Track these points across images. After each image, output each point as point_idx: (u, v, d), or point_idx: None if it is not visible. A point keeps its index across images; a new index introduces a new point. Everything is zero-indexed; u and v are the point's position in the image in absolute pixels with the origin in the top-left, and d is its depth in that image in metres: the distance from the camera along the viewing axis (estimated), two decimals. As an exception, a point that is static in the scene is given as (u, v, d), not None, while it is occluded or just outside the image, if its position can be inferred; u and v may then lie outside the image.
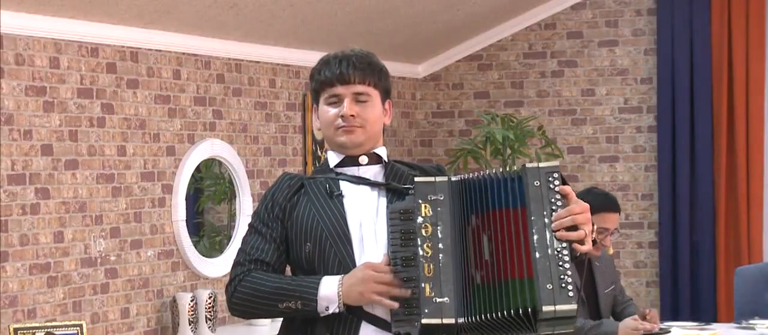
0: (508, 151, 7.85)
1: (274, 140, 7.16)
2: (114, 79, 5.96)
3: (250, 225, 3.27)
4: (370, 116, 3.23)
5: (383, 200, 3.20)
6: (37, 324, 5.37)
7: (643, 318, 5.50)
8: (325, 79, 3.24)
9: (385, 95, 3.29)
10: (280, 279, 3.16)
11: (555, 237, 3.00)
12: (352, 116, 3.21)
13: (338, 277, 3.11)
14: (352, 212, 3.18)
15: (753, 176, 8.10)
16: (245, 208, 6.80)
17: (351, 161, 3.26)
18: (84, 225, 5.78)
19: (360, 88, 3.23)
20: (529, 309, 2.95)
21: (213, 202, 6.98)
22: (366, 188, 3.22)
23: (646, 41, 8.39)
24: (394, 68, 8.22)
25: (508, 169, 3.10)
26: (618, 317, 5.77)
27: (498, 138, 7.77)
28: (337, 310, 3.10)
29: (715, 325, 6.41)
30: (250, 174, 6.93)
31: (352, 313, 3.12)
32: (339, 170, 3.26)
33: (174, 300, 6.18)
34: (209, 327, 6.23)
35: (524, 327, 2.99)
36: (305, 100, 7.39)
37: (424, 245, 3.07)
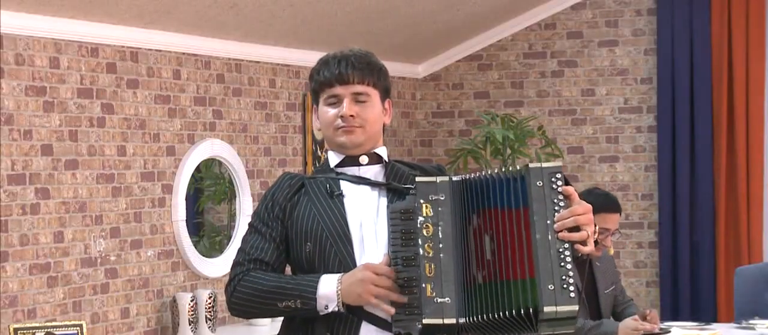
0: (508, 151, 7.85)
1: (274, 140, 7.16)
2: (114, 79, 5.96)
3: (250, 225, 3.26)
4: (370, 115, 3.23)
5: (384, 200, 3.20)
6: (37, 324, 5.37)
7: (644, 318, 5.50)
8: (324, 80, 3.24)
9: (385, 94, 3.28)
10: (279, 278, 3.16)
11: (557, 238, 3.00)
12: (352, 116, 3.21)
13: (337, 276, 3.11)
14: (353, 212, 3.18)
15: (753, 176, 8.10)
16: (245, 208, 6.80)
17: (351, 161, 3.26)
18: (84, 225, 5.78)
19: (359, 88, 3.22)
20: (531, 310, 2.95)
21: (213, 202, 6.98)
22: (366, 188, 3.22)
23: (646, 41, 8.39)
24: (394, 68, 8.22)
25: (509, 169, 3.10)
26: (618, 317, 5.77)
27: (498, 138, 7.77)
28: (336, 309, 3.10)
29: (715, 325, 6.41)
30: (250, 174, 6.93)
31: (353, 313, 3.12)
32: (339, 170, 3.26)
33: (174, 300, 6.18)
34: (209, 327, 6.23)
35: (525, 328, 2.99)
36: (305, 100, 7.39)
37: (425, 245, 3.07)
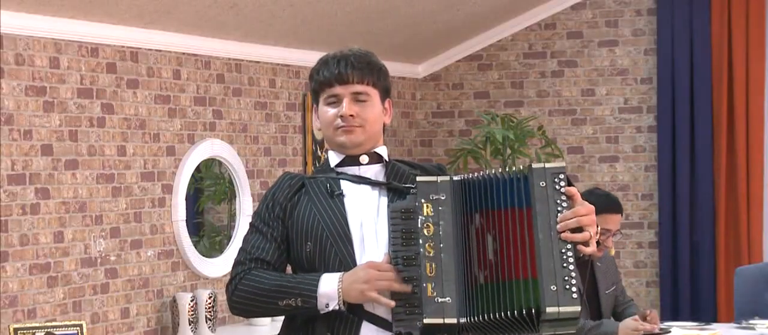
0: (508, 151, 7.85)
1: (274, 140, 7.15)
2: (114, 79, 5.95)
3: (250, 224, 3.26)
4: (370, 115, 3.23)
5: (384, 200, 3.20)
6: (37, 324, 5.37)
7: (644, 318, 5.50)
8: (323, 80, 3.24)
9: (385, 94, 3.28)
10: (280, 276, 3.17)
11: (560, 238, 2.99)
12: (352, 115, 3.21)
13: (338, 274, 3.11)
14: (353, 211, 3.18)
15: (753, 176, 8.10)
16: (245, 208, 6.80)
17: (351, 160, 3.26)
18: (84, 225, 5.77)
19: (359, 87, 3.22)
20: (533, 310, 2.95)
21: (213, 202, 6.98)
22: (367, 188, 3.22)
23: (646, 41, 8.39)
24: (394, 68, 8.22)
25: (511, 169, 3.10)
26: (619, 317, 5.77)
27: (498, 138, 7.77)
28: (337, 307, 3.10)
29: (715, 325, 6.40)
30: (250, 174, 6.93)
31: (353, 313, 3.12)
32: (340, 169, 3.26)
33: (174, 300, 6.17)
34: (209, 327, 6.23)
35: (527, 328, 2.98)
36: (305, 100, 7.39)
37: (426, 245, 3.07)
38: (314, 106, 3.32)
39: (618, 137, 8.44)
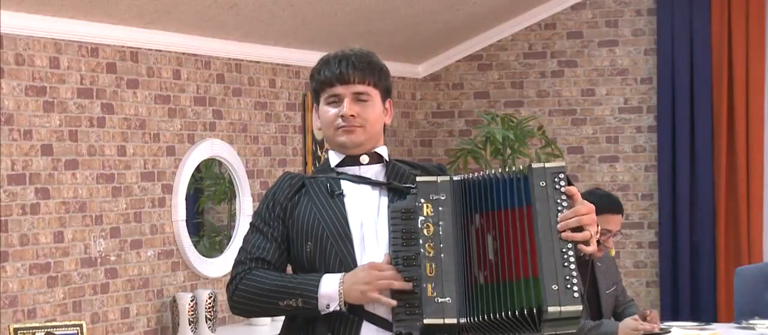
0: (508, 151, 7.85)
1: (274, 140, 7.15)
2: (114, 79, 5.95)
3: (251, 224, 3.26)
4: (370, 115, 3.23)
5: (384, 200, 3.20)
6: (37, 324, 5.37)
7: (644, 318, 5.50)
8: (324, 79, 3.24)
9: (386, 94, 3.28)
10: (281, 277, 3.16)
11: (561, 238, 2.99)
12: (352, 115, 3.21)
13: (339, 275, 3.11)
14: (353, 211, 3.18)
15: (753, 176, 8.10)
16: (245, 208, 6.80)
17: (352, 160, 3.26)
18: (84, 225, 5.77)
19: (360, 88, 3.22)
20: (534, 310, 2.95)
21: (213, 202, 6.98)
22: (367, 188, 3.22)
23: (646, 41, 8.38)
24: (394, 68, 8.22)
25: (511, 169, 3.10)
26: (619, 317, 5.77)
27: (498, 138, 7.77)
28: (337, 308, 3.09)
29: (715, 325, 6.40)
30: (250, 174, 6.93)
31: (354, 313, 3.12)
32: (340, 169, 3.26)
33: (174, 300, 6.17)
34: (209, 327, 6.23)
35: (528, 328, 2.98)
36: (305, 100, 7.39)
37: (426, 245, 3.07)
38: (315, 105, 3.32)
39: (618, 137, 8.44)
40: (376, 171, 3.26)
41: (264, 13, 6.48)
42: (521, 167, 3.09)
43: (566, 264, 2.97)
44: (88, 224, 5.79)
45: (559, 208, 3.01)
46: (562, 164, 3.08)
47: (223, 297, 6.37)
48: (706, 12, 8.13)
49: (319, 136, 7.38)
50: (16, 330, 5.25)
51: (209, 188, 6.89)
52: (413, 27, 7.83)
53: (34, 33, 5.49)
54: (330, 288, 3.09)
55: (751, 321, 6.09)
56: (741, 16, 8.09)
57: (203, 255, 6.55)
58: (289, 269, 3.26)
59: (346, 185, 3.23)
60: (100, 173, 5.87)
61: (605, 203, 5.55)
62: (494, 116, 7.98)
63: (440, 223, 3.08)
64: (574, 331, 3.01)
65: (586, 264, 5.53)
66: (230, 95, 6.78)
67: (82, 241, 5.75)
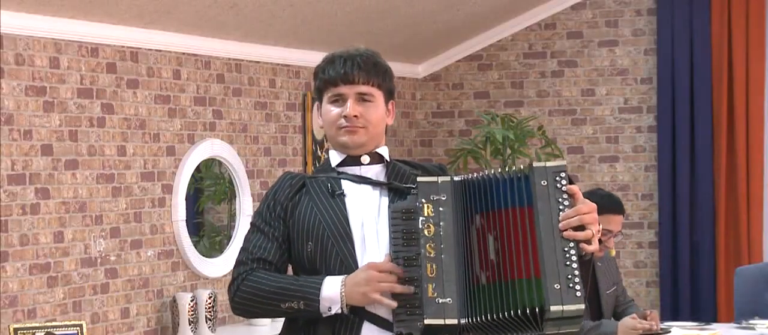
0: (508, 151, 7.85)
1: (274, 140, 7.15)
2: (114, 79, 5.95)
3: (252, 224, 3.26)
4: (373, 116, 3.22)
5: (385, 200, 3.19)
6: (37, 324, 5.36)
7: (644, 319, 5.50)
8: (329, 78, 3.23)
9: (389, 95, 3.28)
10: (282, 278, 3.16)
11: (562, 237, 2.99)
12: (355, 116, 3.20)
13: (341, 277, 3.10)
14: (354, 211, 3.18)
15: (753, 176, 8.10)
16: (245, 208, 6.80)
17: (353, 160, 3.25)
18: (84, 225, 5.77)
19: (364, 88, 3.22)
20: (537, 309, 2.94)
21: (213, 202, 6.97)
22: (368, 188, 3.22)
23: (646, 41, 8.38)
24: (394, 68, 8.09)
25: (512, 168, 3.09)
26: (619, 318, 5.76)
27: (498, 138, 7.77)
28: (339, 311, 3.09)
29: (715, 325, 6.40)
30: (250, 174, 6.93)
31: (354, 313, 3.11)
32: (341, 169, 3.26)
33: (174, 300, 6.17)
34: (209, 327, 6.22)
35: (530, 327, 2.98)
36: (305, 100, 7.39)
37: (427, 246, 3.06)
38: (317, 104, 3.31)
39: (618, 137, 8.44)
40: (376, 171, 3.25)
41: (264, 13, 6.47)
42: (522, 167, 3.08)
43: (568, 263, 2.96)
44: (88, 224, 5.79)
45: (561, 207, 3.01)
46: (563, 163, 3.08)
47: (223, 297, 6.37)
48: (706, 12, 8.13)
49: (319, 135, 7.37)
50: (16, 330, 5.25)
51: (209, 188, 6.88)
52: (413, 27, 7.83)
53: (34, 33, 5.49)
54: (332, 291, 3.09)
55: (751, 321, 6.09)
56: (741, 16, 8.09)
57: (203, 255, 6.55)
58: (290, 269, 3.25)
59: (346, 185, 3.22)
60: (100, 173, 5.86)
61: (607, 203, 5.55)
62: (494, 116, 7.98)
63: (441, 223, 3.08)
64: (576, 330, 3.00)
65: (587, 264, 5.53)
66: (230, 95, 6.77)
67: (82, 241, 5.75)
